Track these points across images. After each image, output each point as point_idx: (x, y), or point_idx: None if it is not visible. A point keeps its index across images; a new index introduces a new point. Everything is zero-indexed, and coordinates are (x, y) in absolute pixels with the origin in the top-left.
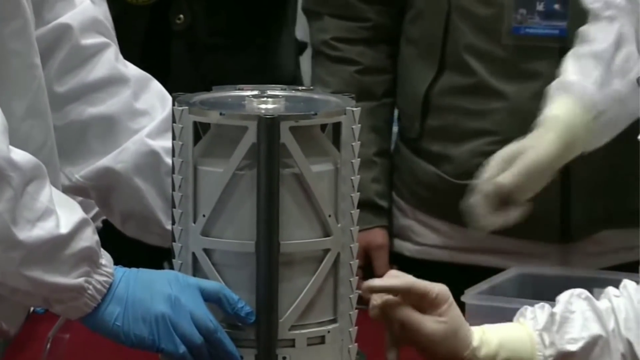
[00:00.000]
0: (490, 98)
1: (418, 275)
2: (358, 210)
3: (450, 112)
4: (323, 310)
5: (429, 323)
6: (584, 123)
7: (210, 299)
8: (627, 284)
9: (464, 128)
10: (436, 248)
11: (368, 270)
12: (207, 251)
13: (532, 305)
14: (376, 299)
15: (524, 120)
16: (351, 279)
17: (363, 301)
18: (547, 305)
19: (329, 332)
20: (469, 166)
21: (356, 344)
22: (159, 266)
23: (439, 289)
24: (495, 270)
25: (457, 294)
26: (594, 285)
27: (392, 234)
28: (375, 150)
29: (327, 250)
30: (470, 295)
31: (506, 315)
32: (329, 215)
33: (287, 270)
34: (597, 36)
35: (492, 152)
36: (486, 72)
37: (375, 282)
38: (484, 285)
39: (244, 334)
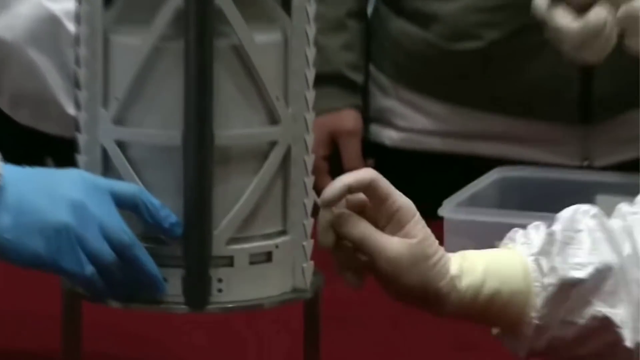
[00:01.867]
0: None
1: (403, 170)
2: (313, 92)
3: None
4: (269, 220)
5: (393, 244)
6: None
7: (125, 205)
8: None
9: None
10: (425, 134)
11: (335, 162)
12: (120, 144)
13: (522, 224)
14: (325, 216)
15: None
16: (305, 179)
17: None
18: (542, 225)
19: (277, 247)
20: (463, 26)
21: (312, 262)
22: (40, 162)
23: (402, 201)
24: (501, 162)
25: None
26: (597, 191)
27: (369, 118)
28: (346, 10)
29: (274, 143)
30: (448, 208)
31: (491, 232)
32: (277, 98)
33: (223, 168)
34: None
35: (490, 8)
36: None
37: (327, 191)
38: (462, 194)
39: (168, 250)
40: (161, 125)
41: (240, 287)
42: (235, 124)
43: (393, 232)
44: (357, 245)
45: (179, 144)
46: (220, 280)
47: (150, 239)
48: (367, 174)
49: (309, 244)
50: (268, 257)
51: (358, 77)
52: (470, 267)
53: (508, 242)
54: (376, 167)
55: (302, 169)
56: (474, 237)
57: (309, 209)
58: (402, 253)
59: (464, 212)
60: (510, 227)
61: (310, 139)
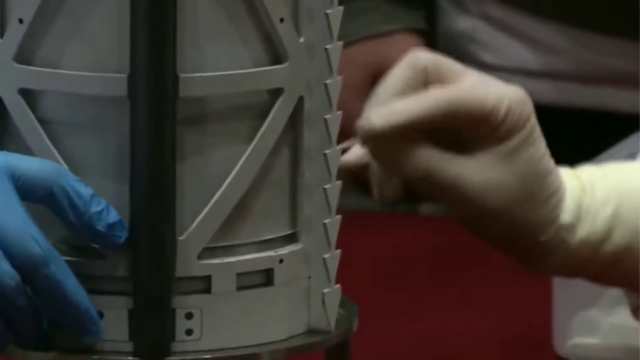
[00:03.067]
0: None
1: None
2: (341, 8)
3: None
4: (269, 218)
5: (479, 175)
6: None
7: (36, 195)
8: None
9: None
10: (529, 76)
11: None
12: (27, 96)
13: None
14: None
15: None
16: (327, 151)
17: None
18: None
19: (281, 261)
20: None
21: (339, 287)
22: None
23: (509, 100)
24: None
25: None
26: None
27: (436, 49)
28: None
29: (276, 92)
30: None
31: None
32: (281, 20)
33: (195, 134)
34: None
35: None
36: None
37: (377, 116)
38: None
39: (105, 268)
40: (94, 65)
41: (222, 326)
42: (214, 63)
43: (489, 146)
44: (419, 181)
45: (122, 95)
46: (190, 316)
47: (76, 249)
48: (445, 96)
49: (333, 257)
50: (267, 278)
51: None
52: (591, 208)
53: None
54: None
55: (323, 135)
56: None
57: (334, 200)
58: (491, 188)
59: None
60: None
61: (335, 85)
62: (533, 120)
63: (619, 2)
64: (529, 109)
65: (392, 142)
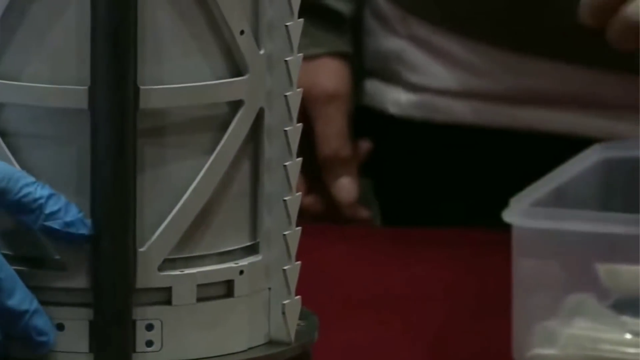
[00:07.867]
0: None
1: (421, 156)
2: (301, 20)
3: None
4: (230, 229)
5: None
6: None
7: None
8: None
9: None
10: (449, 96)
11: (303, 145)
12: None
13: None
14: None
15: None
16: (287, 164)
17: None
18: None
19: (242, 272)
20: None
21: (299, 298)
22: None
23: None
24: (572, 146)
25: (495, 200)
26: None
27: (362, 72)
28: None
29: (237, 105)
30: (519, 211)
31: (595, 249)
32: (241, 32)
33: (155, 146)
34: None
35: None
36: None
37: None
38: (542, 187)
39: (66, 279)
40: (54, 78)
41: (182, 338)
42: (174, 75)
43: None
44: None
45: (83, 107)
46: (150, 328)
47: (36, 261)
48: None
49: (294, 268)
50: (228, 289)
51: (344, 6)
52: None
53: None
54: (375, 152)
55: (283, 147)
56: (564, 257)
57: (294, 212)
58: None
59: (546, 217)
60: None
61: (295, 97)
62: None
63: (538, 23)
64: None
65: None
